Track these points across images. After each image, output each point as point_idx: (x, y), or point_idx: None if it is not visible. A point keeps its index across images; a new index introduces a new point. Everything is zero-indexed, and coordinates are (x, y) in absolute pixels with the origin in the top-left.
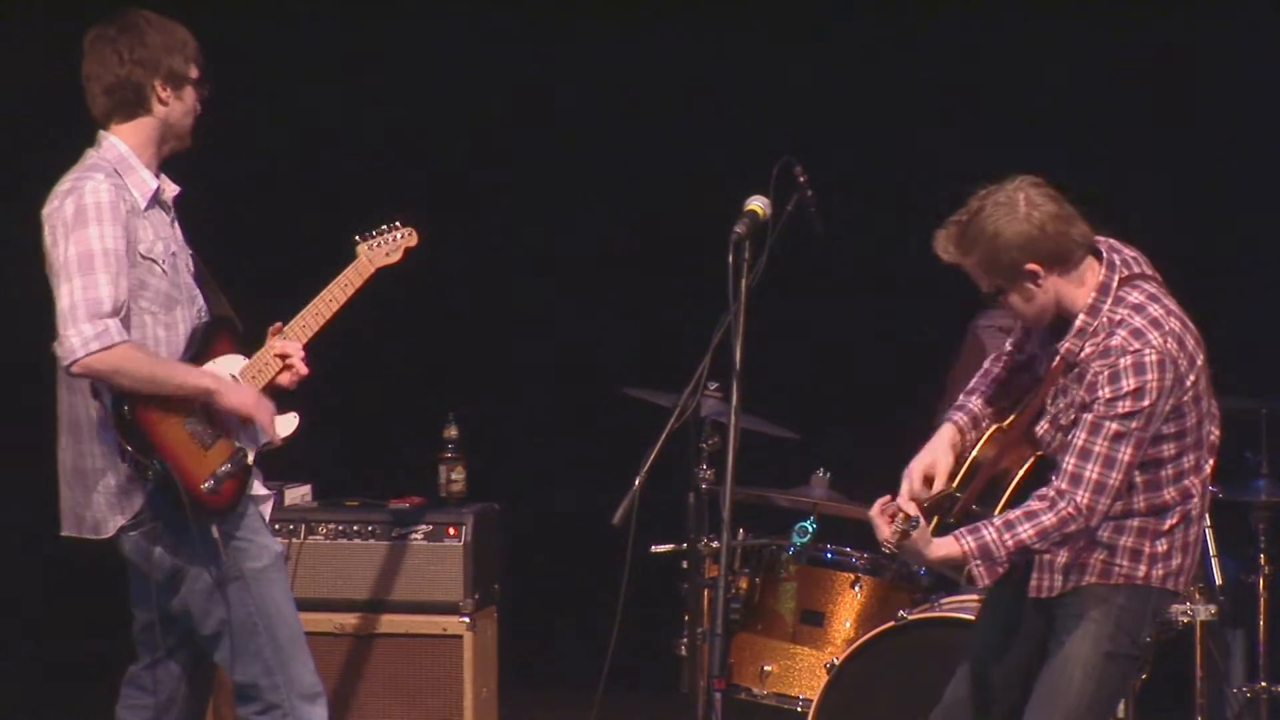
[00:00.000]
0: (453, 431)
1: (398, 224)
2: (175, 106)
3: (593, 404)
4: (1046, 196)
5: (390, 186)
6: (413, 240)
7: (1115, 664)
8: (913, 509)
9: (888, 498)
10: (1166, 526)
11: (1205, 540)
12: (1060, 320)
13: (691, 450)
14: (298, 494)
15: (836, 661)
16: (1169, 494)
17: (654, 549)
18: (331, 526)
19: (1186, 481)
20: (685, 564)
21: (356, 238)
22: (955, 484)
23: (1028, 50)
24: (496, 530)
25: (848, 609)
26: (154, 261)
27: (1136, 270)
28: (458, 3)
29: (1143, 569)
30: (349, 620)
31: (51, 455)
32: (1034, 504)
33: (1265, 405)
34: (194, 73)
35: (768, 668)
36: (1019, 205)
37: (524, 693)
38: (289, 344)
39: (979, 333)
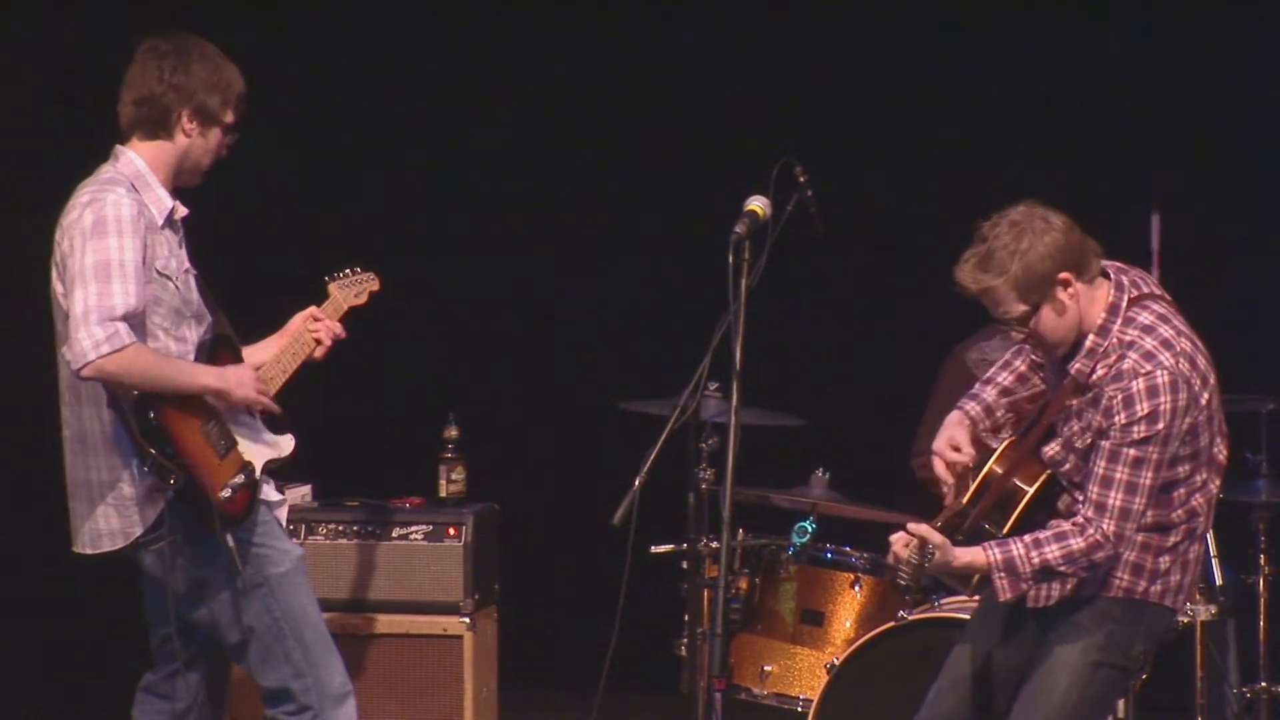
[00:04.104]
0: (453, 431)
1: (359, 269)
2: (197, 142)
3: (593, 404)
4: (1053, 210)
5: (390, 186)
6: (375, 285)
7: (1102, 674)
8: (934, 535)
9: (901, 535)
10: (1170, 543)
11: (1205, 541)
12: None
13: (691, 450)
14: (298, 494)
15: (836, 661)
16: (1177, 512)
17: (654, 549)
18: (331, 526)
19: (1194, 500)
20: (685, 564)
21: (326, 278)
22: (967, 499)
23: (1027, 49)
24: (496, 530)
25: (848, 609)
26: (168, 278)
27: (1145, 290)
28: (458, 1)
29: (1142, 584)
30: (349, 620)
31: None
32: (1064, 526)
33: (1265, 404)
34: (228, 117)
35: (768, 668)
36: (1036, 220)
37: (524, 693)
38: (323, 325)
39: (970, 365)
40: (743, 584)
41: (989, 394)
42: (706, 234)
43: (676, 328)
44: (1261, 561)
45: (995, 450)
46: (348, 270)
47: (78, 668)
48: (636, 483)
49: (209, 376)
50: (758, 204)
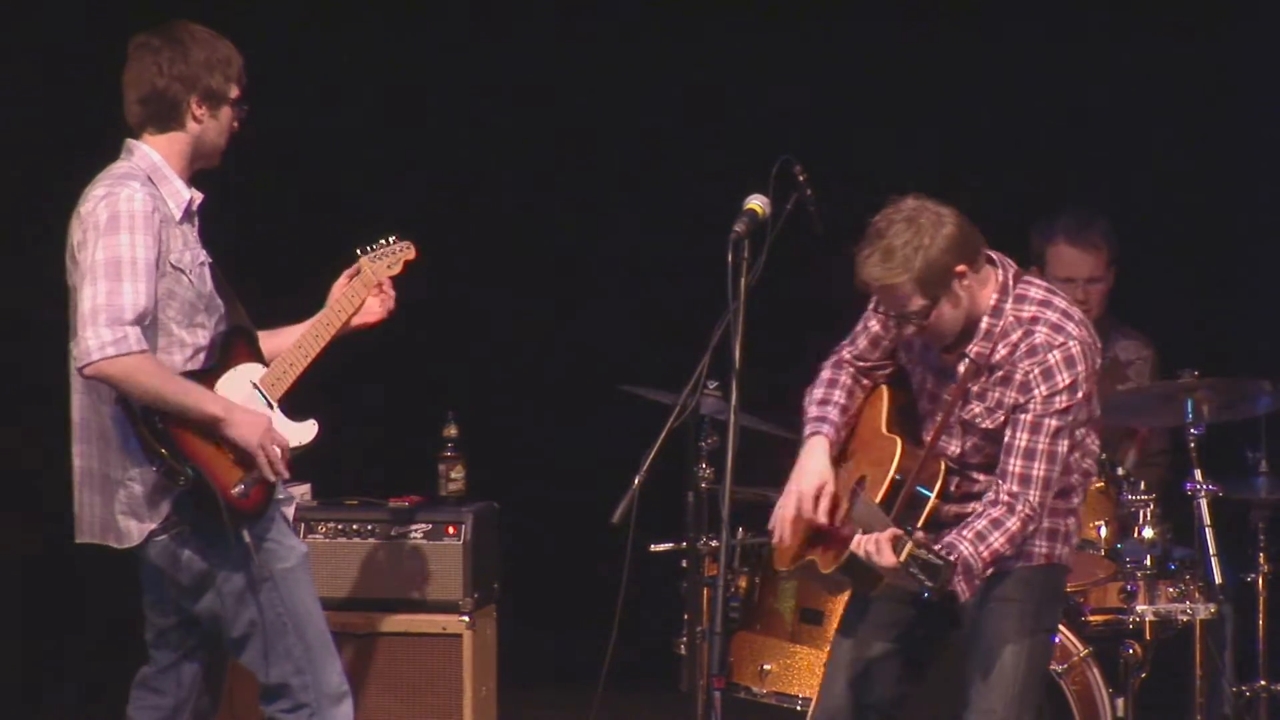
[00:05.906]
0: (452, 431)
1: (396, 238)
2: (210, 125)
3: (592, 403)
4: (942, 203)
5: (391, 186)
6: (411, 254)
7: (1040, 640)
8: (899, 532)
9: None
10: (1074, 504)
11: (1205, 539)
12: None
13: (691, 449)
14: (297, 493)
15: None
16: (1075, 476)
17: (654, 548)
18: (331, 525)
19: (1087, 462)
20: (685, 563)
21: (359, 251)
22: (879, 501)
23: (1026, 48)
24: (496, 530)
25: None
26: (182, 272)
27: (1015, 269)
28: (460, 1)
29: (1057, 548)
30: (349, 619)
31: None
32: (994, 512)
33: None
34: (234, 92)
35: (767, 666)
36: (929, 214)
37: (524, 692)
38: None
39: None
40: (742, 583)
41: (834, 415)
42: (707, 232)
43: (678, 327)
44: (1261, 560)
45: (894, 455)
46: (382, 241)
47: (76, 666)
48: (636, 481)
49: (215, 406)
50: (757, 203)
